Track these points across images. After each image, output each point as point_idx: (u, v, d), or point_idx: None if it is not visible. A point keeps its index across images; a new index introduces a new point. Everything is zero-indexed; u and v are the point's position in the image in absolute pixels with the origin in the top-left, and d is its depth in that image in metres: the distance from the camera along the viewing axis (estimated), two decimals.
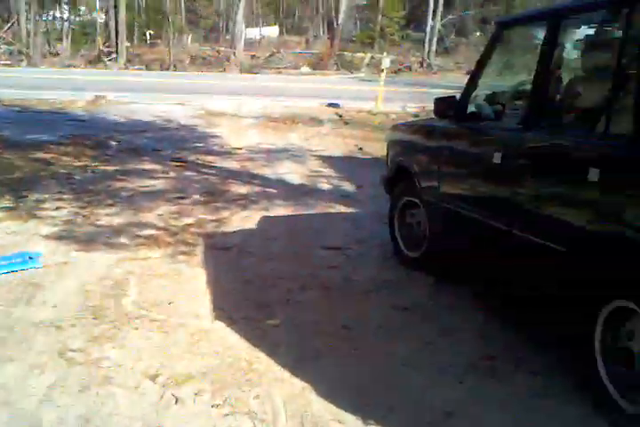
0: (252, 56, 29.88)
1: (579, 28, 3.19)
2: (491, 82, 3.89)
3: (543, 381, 3.01)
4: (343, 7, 30.07)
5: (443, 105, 3.82)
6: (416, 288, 4.27)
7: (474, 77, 3.76)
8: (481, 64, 3.72)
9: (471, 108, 3.77)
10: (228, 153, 9.23)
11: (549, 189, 2.94)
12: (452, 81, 22.32)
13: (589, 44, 3.01)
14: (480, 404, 2.86)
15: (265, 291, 4.15)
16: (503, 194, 3.27)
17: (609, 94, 2.65)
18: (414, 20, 33.79)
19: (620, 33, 2.66)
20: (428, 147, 4.16)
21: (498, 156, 3.28)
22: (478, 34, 30.75)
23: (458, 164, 3.81)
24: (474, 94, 3.79)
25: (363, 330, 3.62)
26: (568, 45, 3.20)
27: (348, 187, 7.40)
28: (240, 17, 29.08)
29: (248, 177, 7.71)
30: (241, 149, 9.61)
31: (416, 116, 12.81)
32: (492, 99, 3.79)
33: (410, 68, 26.03)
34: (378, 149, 9.66)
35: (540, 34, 3.14)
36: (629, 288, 2.48)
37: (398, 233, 4.82)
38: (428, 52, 28.08)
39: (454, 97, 3.85)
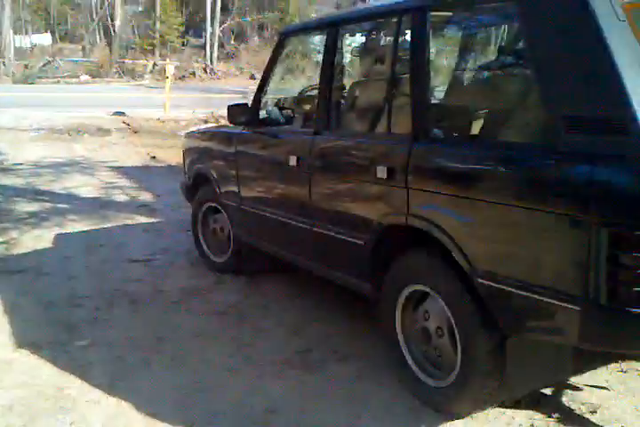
0: (25, 65, 27.92)
1: (355, 36, 3.44)
2: (280, 88, 4.04)
3: (357, 367, 3.20)
4: (119, 14, 29.20)
5: (236, 112, 3.91)
6: (228, 292, 4.32)
7: (263, 84, 3.88)
8: (268, 71, 3.86)
9: (263, 114, 3.90)
10: (9, 169, 8.60)
11: (343, 188, 3.14)
12: (237, 86, 22.69)
13: (366, 52, 3.27)
14: (300, 396, 2.98)
15: (70, 312, 3.96)
16: (302, 194, 3.42)
17: (387, 97, 2.90)
18: (193, 26, 33.73)
19: (391, 41, 2.90)
20: (225, 153, 4.23)
21: (293, 159, 3.43)
22: (257, 39, 31.51)
23: (256, 168, 3.92)
24: (264, 100, 3.92)
25: (179, 340, 3.60)
26: (346, 53, 3.44)
27: (145, 197, 7.25)
28: (7, 25, 27.07)
29: (35, 193, 7.26)
30: (24, 164, 9.00)
31: (206, 121, 12.86)
32: (283, 104, 3.94)
33: (194, 75, 25.93)
34: (171, 156, 9.58)
35: (321, 42, 3.34)
36: (423, 273, 2.73)
37: (203, 239, 4.84)
38: (210, 57, 28.20)
39: (247, 104, 3.96)
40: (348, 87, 3.53)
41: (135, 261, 4.94)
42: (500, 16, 2.87)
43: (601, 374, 2.97)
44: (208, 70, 26.65)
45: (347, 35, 3.39)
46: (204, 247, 4.83)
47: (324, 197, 3.29)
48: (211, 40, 28.21)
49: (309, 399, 2.95)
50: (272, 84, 3.88)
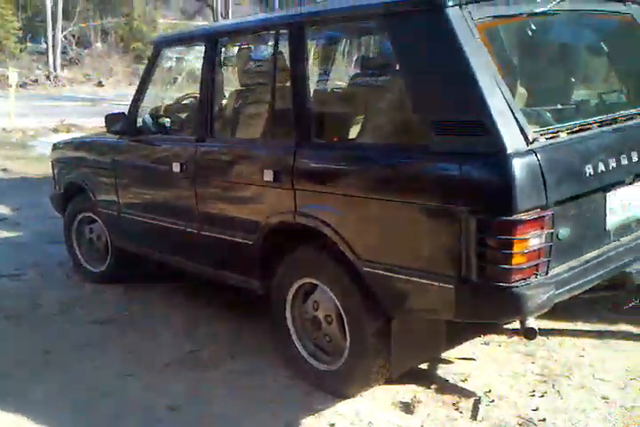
0: None
1: (234, 47, 3.62)
2: (156, 97, 4.13)
3: (250, 362, 3.37)
4: None
5: (113, 121, 3.96)
6: (109, 301, 4.33)
7: (139, 93, 3.96)
8: (144, 80, 3.94)
9: (140, 123, 3.97)
10: None
11: (230, 192, 3.31)
12: (85, 93, 21.94)
13: (246, 63, 3.46)
14: (199, 393, 3.11)
15: None
16: (187, 199, 3.55)
17: (270, 106, 3.11)
18: (32, 30, 32.08)
19: (272, 53, 3.12)
20: (101, 162, 4.25)
21: (177, 165, 3.55)
22: (100, 45, 30.53)
23: (136, 176, 3.98)
24: (141, 109, 3.99)
25: (66, 351, 3.61)
26: (226, 63, 3.61)
27: (3, 210, 6.95)
28: None
29: None
30: None
31: (55, 130, 12.42)
32: (159, 113, 4.04)
33: (37, 82, 24.69)
34: (23, 167, 9.23)
35: (199, 52, 3.49)
36: (311, 267, 2.97)
37: (78, 250, 4.80)
38: (54, 64, 26.97)
39: (124, 113, 4.01)
40: (229, 96, 3.70)
41: (5, 277, 4.80)
42: (371, 32, 3.18)
43: (467, 348, 3.35)
44: (52, 77, 25.45)
45: (227, 46, 3.55)
46: (80, 258, 4.79)
47: (211, 201, 3.44)
48: (53, 46, 26.98)
49: (209, 395, 3.09)
50: (149, 93, 3.96)
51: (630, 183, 2.68)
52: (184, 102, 4.17)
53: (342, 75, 3.42)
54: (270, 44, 3.17)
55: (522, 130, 2.26)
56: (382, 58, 3.06)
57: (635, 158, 2.59)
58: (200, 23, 33.03)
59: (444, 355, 3.25)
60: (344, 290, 2.82)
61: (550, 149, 2.30)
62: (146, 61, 3.87)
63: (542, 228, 2.24)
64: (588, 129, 2.51)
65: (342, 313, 2.87)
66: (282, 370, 3.25)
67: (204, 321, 3.94)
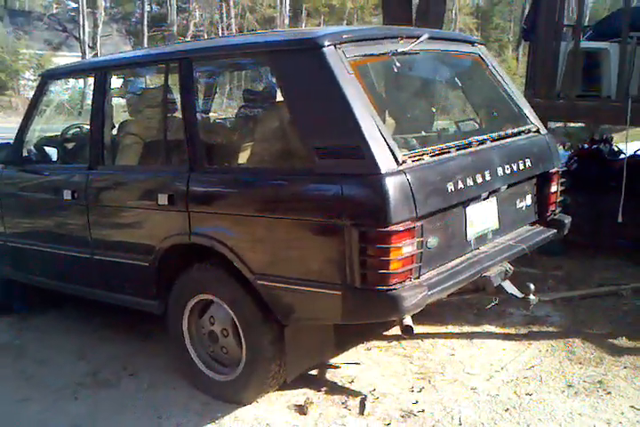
0: None
1: (125, 78, 3.79)
2: (43, 127, 4.20)
3: (149, 378, 3.50)
4: None
5: (2, 151, 4.00)
6: (1, 331, 4.29)
7: (25, 123, 4.01)
8: (31, 110, 4.01)
9: (28, 153, 4.03)
10: None
11: (124, 216, 3.46)
12: None
13: (136, 94, 3.64)
14: (101, 411, 3.21)
15: None
16: (79, 226, 3.65)
17: (162, 135, 3.31)
18: None
19: (162, 84, 3.34)
20: None
21: (68, 193, 3.65)
22: None
23: (24, 205, 4.02)
24: (27, 139, 4.06)
25: None
26: (116, 94, 3.77)
27: None
28: None
29: None
30: None
31: None
32: (46, 143, 4.12)
33: None
34: None
35: (88, 84, 3.64)
36: (207, 284, 3.17)
37: None
38: None
39: (9, 143, 4.06)
40: (119, 126, 3.84)
41: None
42: (256, 67, 3.47)
43: (352, 354, 3.65)
44: None
45: (117, 78, 3.72)
46: None
47: (104, 227, 3.57)
48: None
49: (111, 412, 3.20)
50: (36, 124, 4.03)
51: (485, 199, 3.11)
52: (71, 132, 4.26)
53: (226, 106, 3.67)
54: (159, 76, 3.39)
55: (392, 153, 2.61)
56: (267, 91, 3.35)
57: (487, 177, 3.02)
58: (66, 54, 32.32)
59: (332, 361, 3.54)
60: (239, 303, 3.05)
61: (417, 169, 2.67)
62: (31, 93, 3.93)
63: (413, 237, 2.58)
64: (448, 153, 2.91)
65: (238, 325, 3.08)
66: (181, 384, 3.40)
67: (101, 343, 4.02)
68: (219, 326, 3.20)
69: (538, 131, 3.58)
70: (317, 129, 2.72)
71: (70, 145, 4.18)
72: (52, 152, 4.06)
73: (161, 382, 3.46)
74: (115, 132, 3.79)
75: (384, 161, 2.57)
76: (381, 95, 3.18)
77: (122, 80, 3.87)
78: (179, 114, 3.26)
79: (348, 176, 2.61)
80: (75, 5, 34.91)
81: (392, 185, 2.53)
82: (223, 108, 3.74)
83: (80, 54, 30.18)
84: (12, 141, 4.10)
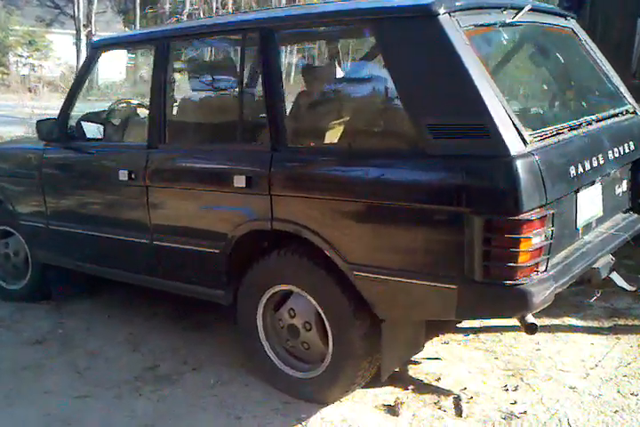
0: None
1: (191, 50, 3.49)
2: (89, 102, 3.90)
3: (214, 373, 3.26)
4: None
5: (46, 128, 3.69)
6: (36, 320, 4.04)
7: (71, 98, 3.71)
8: (78, 84, 3.71)
9: (74, 129, 3.73)
10: None
11: (191, 200, 3.17)
12: None
13: (204, 66, 3.34)
14: (170, 409, 2.97)
15: None
16: (137, 209, 3.37)
17: (238, 112, 3.02)
18: None
19: (238, 57, 3.04)
20: (23, 171, 3.95)
21: (124, 173, 3.37)
22: None
23: (70, 185, 3.73)
24: (73, 115, 3.75)
25: (5, 375, 3.32)
26: (180, 67, 3.47)
27: None
28: None
29: None
30: None
31: None
32: (93, 119, 3.82)
33: None
34: None
35: (147, 55, 3.33)
36: (288, 274, 2.92)
37: None
38: None
39: (52, 119, 3.75)
40: (181, 102, 3.54)
41: None
42: (355, 37, 3.18)
43: (430, 348, 3.42)
44: None
45: (182, 49, 3.42)
46: None
47: (166, 210, 3.29)
48: None
49: (181, 410, 2.95)
50: (82, 98, 3.74)
51: (592, 184, 2.87)
52: (121, 108, 3.97)
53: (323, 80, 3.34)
54: (233, 48, 3.09)
55: (519, 132, 2.35)
56: (367, 63, 3.07)
57: (601, 161, 2.78)
58: (60, 31, 31.57)
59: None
60: (327, 295, 2.80)
61: (544, 151, 2.41)
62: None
63: (543, 226, 2.34)
64: (562, 133, 2.66)
65: (324, 319, 2.84)
66: (253, 381, 3.16)
67: (152, 334, 3.76)
68: (300, 320, 2.95)
69: (635, 112, 3.34)
70: (431, 105, 2.45)
71: (120, 122, 3.87)
72: (100, 129, 3.76)
73: (229, 379, 3.21)
74: (179, 108, 3.50)
75: (512, 141, 2.32)
76: (495, 69, 2.90)
77: (187, 51, 3.56)
78: (256, 89, 2.97)
79: (470, 158, 2.35)
80: None
81: (523, 168, 2.27)
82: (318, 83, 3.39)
83: (74, 32, 29.53)
84: (55, 117, 3.79)
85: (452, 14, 2.46)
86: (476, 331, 3.57)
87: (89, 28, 27.55)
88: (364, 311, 2.74)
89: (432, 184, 2.43)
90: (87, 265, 3.83)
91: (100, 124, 3.84)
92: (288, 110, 2.93)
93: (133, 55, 30.04)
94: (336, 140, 2.91)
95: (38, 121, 3.70)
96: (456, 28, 2.44)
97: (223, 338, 3.63)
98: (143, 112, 3.95)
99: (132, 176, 3.35)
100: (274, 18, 2.98)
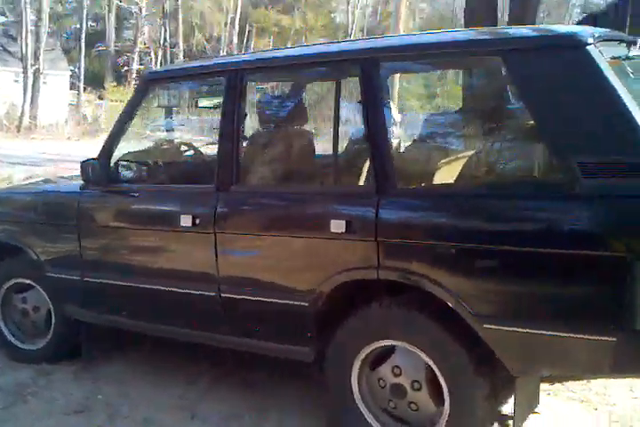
0: None
1: (264, 82, 3.20)
2: (139, 141, 3.57)
3: None
4: None
5: (90, 169, 3.33)
6: (66, 384, 3.58)
7: (117, 136, 3.37)
8: (125, 121, 3.37)
9: (118, 170, 3.40)
10: None
11: (273, 248, 2.87)
12: None
13: (289, 100, 3.06)
14: None
15: None
16: (201, 258, 3.05)
17: (333, 149, 2.77)
18: None
19: (331, 90, 2.79)
20: (56, 217, 3.57)
21: (187, 219, 3.04)
22: None
23: (118, 233, 3.36)
24: (116, 155, 3.42)
25: None
26: (251, 101, 3.18)
27: None
28: None
29: None
30: None
31: None
32: (139, 159, 3.49)
33: None
34: None
35: (211, 88, 3.06)
36: (394, 327, 2.63)
37: (5, 326, 3.97)
38: None
39: (91, 159, 3.38)
40: (263, 139, 3.24)
41: None
42: (478, 67, 2.96)
43: None
44: None
45: (256, 81, 3.13)
46: (7, 334, 3.97)
47: (240, 259, 2.98)
48: None
49: None
50: (128, 136, 3.41)
51: None
52: (167, 147, 3.64)
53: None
54: (323, 80, 2.84)
55: None
56: (495, 95, 2.84)
57: None
58: (3, 69, 30.63)
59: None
60: (445, 351, 2.52)
61: None
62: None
63: None
64: None
65: (440, 377, 2.56)
66: None
67: (203, 398, 3.37)
68: (407, 378, 2.65)
69: None
70: (582, 141, 2.25)
71: (170, 162, 3.54)
72: (144, 171, 3.43)
73: None
74: (253, 145, 3.20)
75: None
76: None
77: (261, 84, 3.27)
78: (353, 125, 2.72)
79: (629, 198, 2.15)
80: (4, 19, 33.32)
81: None
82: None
83: (17, 69, 28.83)
84: (95, 158, 3.43)
85: (596, 45, 2.29)
86: (559, 378, 3.33)
87: (36, 66, 26.90)
88: (486, 368, 2.48)
89: (587, 228, 2.21)
90: (133, 322, 3.44)
91: (145, 165, 3.51)
92: (393, 148, 2.68)
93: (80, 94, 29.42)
94: (453, 181, 2.67)
95: (83, 162, 3.34)
96: (604, 59, 2.27)
97: (285, 399, 3.29)
98: (195, 151, 3.64)
99: (197, 222, 3.03)
100: (381, 48, 2.75)
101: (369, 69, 2.64)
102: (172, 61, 34.94)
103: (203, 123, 3.88)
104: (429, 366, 2.58)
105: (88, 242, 3.46)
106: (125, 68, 30.57)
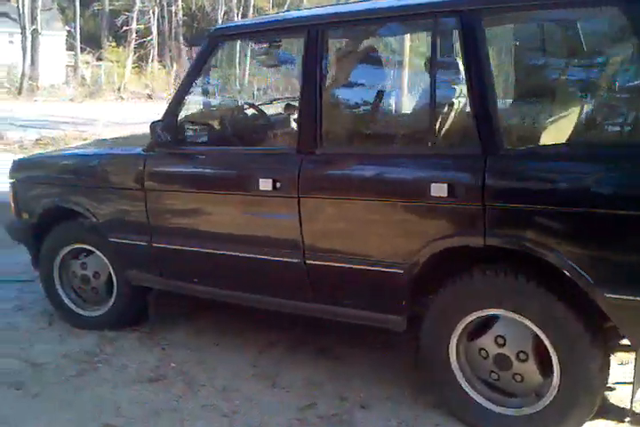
0: None
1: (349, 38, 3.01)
2: (204, 100, 3.40)
3: (390, 411, 2.84)
4: None
5: (161, 129, 3.18)
6: (134, 351, 3.50)
7: (183, 95, 3.21)
8: (191, 79, 3.20)
9: (186, 131, 3.25)
10: None
11: (365, 213, 2.74)
12: None
13: (377, 56, 2.89)
14: None
15: None
16: (285, 223, 2.93)
17: (431, 108, 2.59)
18: None
19: (429, 44, 2.62)
20: (119, 180, 3.44)
21: (266, 182, 2.91)
22: None
23: (185, 197, 3.24)
24: (183, 115, 3.26)
25: (139, 421, 2.82)
26: (331, 58, 3.01)
27: None
28: None
29: None
30: None
31: None
32: (210, 120, 3.33)
33: None
34: None
35: (286, 45, 2.88)
36: (501, 296, 2.53)
37: (64, 292, 3.87)
38: None
39: (171, 120, 3.23)
40: (350, 99, 3.09)
41: None
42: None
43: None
44: None
45: (344, 37, 2.95)
46: (67, 301, 3.87)
47: (327, 225, 2.86)
48: None
49: None
50: (195, 96, 3.25)
51: None
52: (251, 108, 3.46)
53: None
54: (414, 34, 2.68)
55: None
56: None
57: None
58: None
59: None
60: (556, 321, 2.42)
61: None
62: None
63: None
64: None
65: (551, 349, 2.46)
66: (443, 420, 2.76)
67: (279, 367, 3.29)
68: (513, 349, 2.56)
69: None
70: None
71: (247, 123, 3.39)
72: (215, 131, 3.28)
73: (412, 417, 2.79)
74: (338, 106, 3.04)
75: None
76: None
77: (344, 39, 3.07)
78: (449, 81, 2.57)
79: None
80: None
81: None
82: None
83: (9, 30, 28.29)
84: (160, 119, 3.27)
85: None
86: None
87: (34, 26, 26.30)
88: (600, 338, 2.40)
89: None
90: (206, 288, 3.33)
91: (214, 126, 3.35)
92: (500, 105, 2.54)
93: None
94: (566, 140, 2.53)
95: (153, 122, 3.19)
96: None
97: (364, 367, 3.22)
98: (268, 112, 3.48)
99: (278, 186, 2.90)
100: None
101: (472, 21, 2.47)
102: (169, 21, 34.21)
103: (276, 82, 3.69)
104: (537, 336, 2.49)
105: (156, 206, 3.33)
106: (124, 27, 29.87)
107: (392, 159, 2.75)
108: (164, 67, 30.41)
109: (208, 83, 3.45)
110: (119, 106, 22.20)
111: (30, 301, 4.27)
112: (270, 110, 3.65)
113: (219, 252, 3.17)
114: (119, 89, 26.88)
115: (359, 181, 2.78)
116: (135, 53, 29.97)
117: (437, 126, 2.63)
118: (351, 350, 3.39)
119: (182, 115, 3.26)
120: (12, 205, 3.98)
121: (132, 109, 18.76)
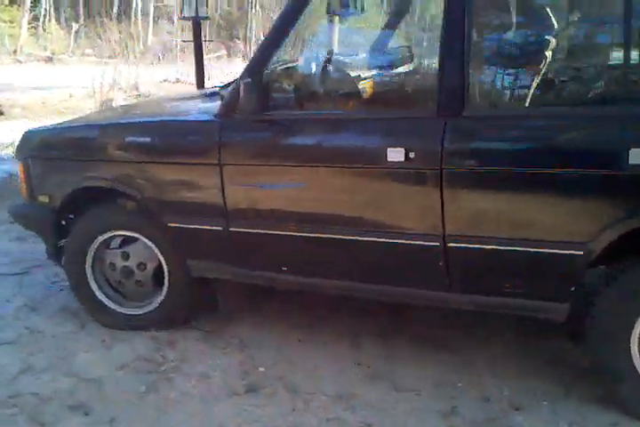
0: None
1: None
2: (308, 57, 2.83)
3: (543, 414, 2.49)
4: None
5: (239, 90, 2.60)
6: (214, 357, 2.95)
7: (271, 50, 2.64)
8: (280, 32, 2.63)
9: (280, 93, 2.70)
10: None
11: (537, 187, 2.32)
12: None
13: None
14: None
15: None
16: (422, 201, 2.47)
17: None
18: None
19: None
20: (184, 154, 2.84)
21: (397, 153, 2.44)
22: None
23: (285, 172, 2.68)
24: (270, 75, 2.70)
25: None
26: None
27: None
28: None
29: None
30: None
31: None
32: (306, 80, 2.78)
33: None
34: None
35: None
36: None
37: (97, 287, 3.25)
38: None
39: (257, 79, 2.65)
40: (508, 51, 2.60)
41: None
42: None
43: None
44: None
45: None
46: (101, 297, 3.25)
47: (482, 203, 2.41)
48: None
49: None
50: (283, 53, 2.70)
51: None
52: (360, 65, 2.91)
53: None
54: None
55: None
56: None
57: None
58: None
59: None
60: None
61: None
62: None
63: None
64: None
65: None
66: (617, 418, 2.43)
67: (387, 364, 2.86)
68: None
69: None
70: None
71: (356, 83, 2.83)
72: (314, 94, 2.75)
73: (578, 416, 2.45)
74: (489, 59, 2.57)
75: None
76: None
77: None
78: None
79: None
80: None
81: None
82: None
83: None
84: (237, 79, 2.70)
85: None
86: None
87: None
88: None
89: None
90: (299, 279, 2.83)
91: (312, 87, 2.82)
92: None
93: None
94: None
95: (230, 82, 2.60)
96: None
97: (490, 361, 2.85)
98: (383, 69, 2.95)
99: (411, 156, 2.43)
100: None
101: None
102: None
103: (391, 34, 3.16)
104: None
105: (236, 184, 2.77)
106: None
107: (569, 121, 2.32)
108: (62, 27, 28.18)
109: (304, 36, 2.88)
110: (20, 69, 20.35)
111: (39, 298, 3.62)
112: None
113: (324, 236, 2.67)
114: (14, 51, 24.74)
115: (530, 148, 2.34)
116: (30, 13, 27.59)
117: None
118: (466, 342, 3.00)
119: (271, 73, 2.70)
120: (25, 186, 3.29)
121: (38, 73, 17.17)
